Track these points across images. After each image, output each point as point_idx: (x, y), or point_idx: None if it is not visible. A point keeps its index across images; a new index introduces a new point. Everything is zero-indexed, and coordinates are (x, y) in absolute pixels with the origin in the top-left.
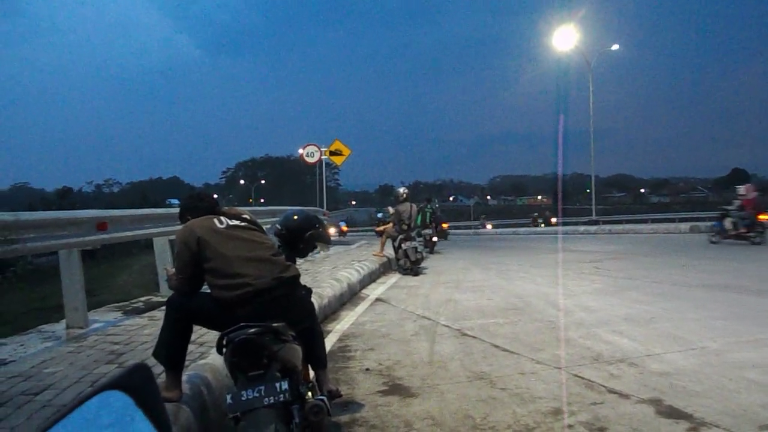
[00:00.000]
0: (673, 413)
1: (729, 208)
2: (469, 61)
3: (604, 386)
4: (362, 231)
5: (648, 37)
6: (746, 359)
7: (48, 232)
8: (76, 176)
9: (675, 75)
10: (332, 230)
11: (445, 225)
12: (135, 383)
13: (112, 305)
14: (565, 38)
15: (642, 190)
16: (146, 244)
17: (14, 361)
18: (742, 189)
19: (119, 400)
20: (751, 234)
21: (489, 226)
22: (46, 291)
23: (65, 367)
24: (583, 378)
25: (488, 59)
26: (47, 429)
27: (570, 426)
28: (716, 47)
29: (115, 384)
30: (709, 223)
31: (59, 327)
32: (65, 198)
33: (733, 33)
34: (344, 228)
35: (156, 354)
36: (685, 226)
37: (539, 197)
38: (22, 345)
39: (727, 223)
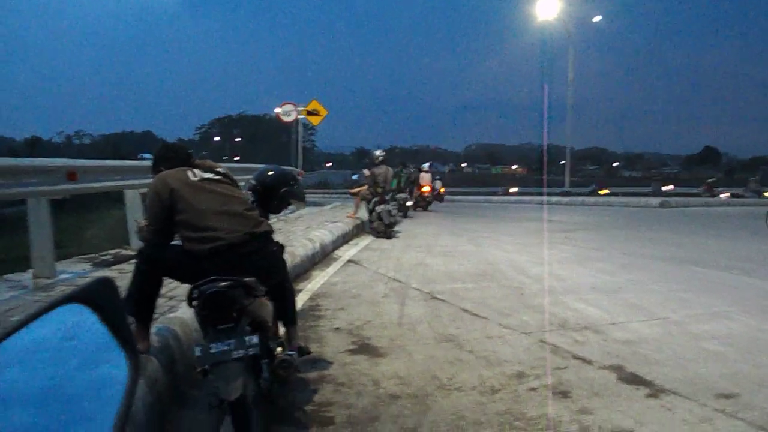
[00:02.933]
0: (634, 380)
1: None
2: (452, 28)
3: (568, 352)
4: (337, 193)
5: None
6: (705, 331)
7: (16, 180)
8: (47, 126)
9: (654, 51)
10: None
11: (442, 189)
12: (98, 297)
13: (80, 257)
14: (547, 7)
15: (615, 164)
16: (116, 198)
17: None
18: None
19: (81, 313)
20: None
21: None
22: (13, 241)
23: None
24: (548, 343)
25: (471, 26)
26: (5, 337)
27: (533, 389)
28: (694, 28)
29: (78, 297)
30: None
31: (26, 276)
32: (34, 148)
33: (710, 14)
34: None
35: (125, 305)
36: (656, 200)
37: (514, 166)
38: None
39: None
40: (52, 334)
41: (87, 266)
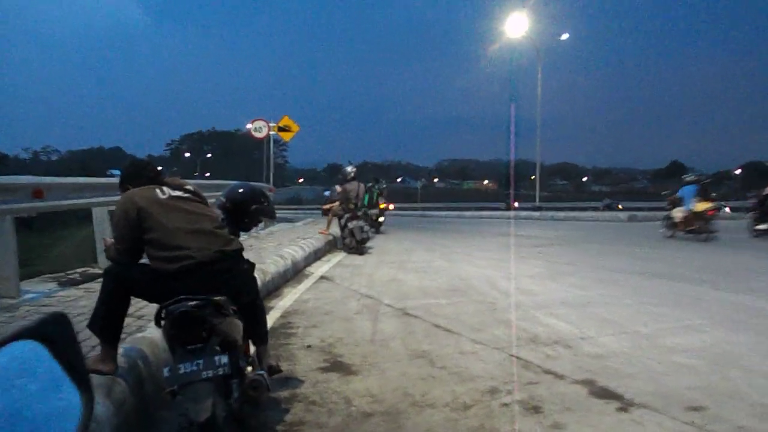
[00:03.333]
0: (605, 394)
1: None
2: (422, 44)
3: (540, 367)
4: (308, 209)
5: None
6: (676, 344)
7: None
8: (12, 142)
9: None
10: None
11: (390, 206)
12: (51, 333)
13: (46, 276)
14: (516, 25)
15: (584, 179)
16: (84, 215)
17: None
18: None
19: (33, 350)
20: None
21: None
22: None
23: None
24: (520, 358)
25: (441, 43)
26: None
27: (506, 404)
28: (663, 43)
29: (29, 333)
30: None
31: None
32: None
33: (678, 30)
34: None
35: (91, 326)
36: (624, 215)
37: (485, 182)
38: None
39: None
40: (2, 374)
41: (53, 285)
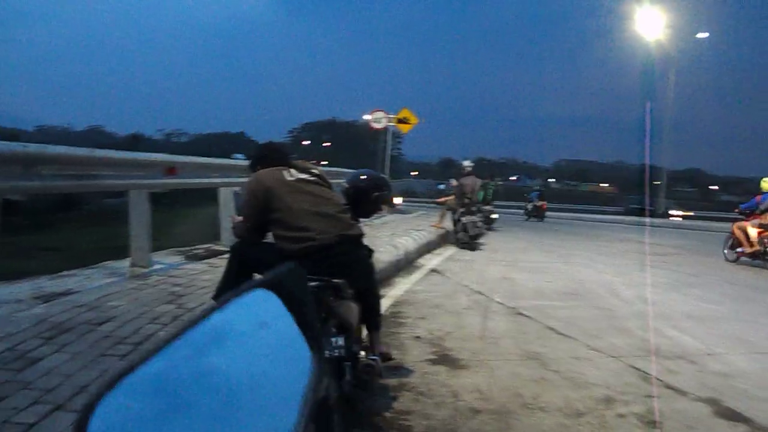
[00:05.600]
0: (731, 415)
1: None
2: (545, 40)
3: (660, 380)
4: (420, 202)
5: (740, 27)
6: None
7: (120, 172)
8: (148, 124)
9: (764, 70)
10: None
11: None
12: (285, 284)
13: (174, 249)
14: (648, 21)
15: (713, 187)
16: (210, 196)
17: (80, 291)
18: None
19: (270, 300)
20: None
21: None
22: (113, 231)
23: (127, 302)
24: (639, 369)
25: (565, 39)
26: (205, 318)
27: (621, 415)
28: None
29: (268, 283)
30: None
31: (123, 265)
32: (136, 144)
33: None
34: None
35: (215, 298)
36: None
37: (604, 184)
38: (87, 278)
39: None
40: (243, 317)
41: (180, 258)
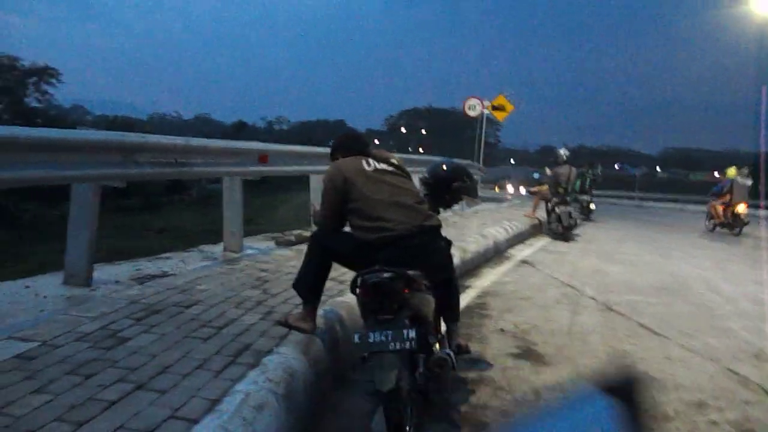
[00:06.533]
0: None
1: None
2: (648, 22)
3: (761, 386)
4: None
5: None
6: None
7: (214, 159)
8: (252, 112)
9: None
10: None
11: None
12: (628, 395)
13: (266, 234)
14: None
15: None
16: (304, 181)
17: (174, 274)
18: None
19: (608, 413)
20: None
21: None
22: (215, 214)
23: (215, 285)
24: (737, 373)
25: (671, 21)
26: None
27: (714, 422)
28: None
29: (614, 389)
30: None
31: (217, 249)
32: (240, 131)
33: None
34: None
35: (296, 285)
36: None
37: (716, 173)
38: (183, 261)
39: None
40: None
41: (271, 244)
